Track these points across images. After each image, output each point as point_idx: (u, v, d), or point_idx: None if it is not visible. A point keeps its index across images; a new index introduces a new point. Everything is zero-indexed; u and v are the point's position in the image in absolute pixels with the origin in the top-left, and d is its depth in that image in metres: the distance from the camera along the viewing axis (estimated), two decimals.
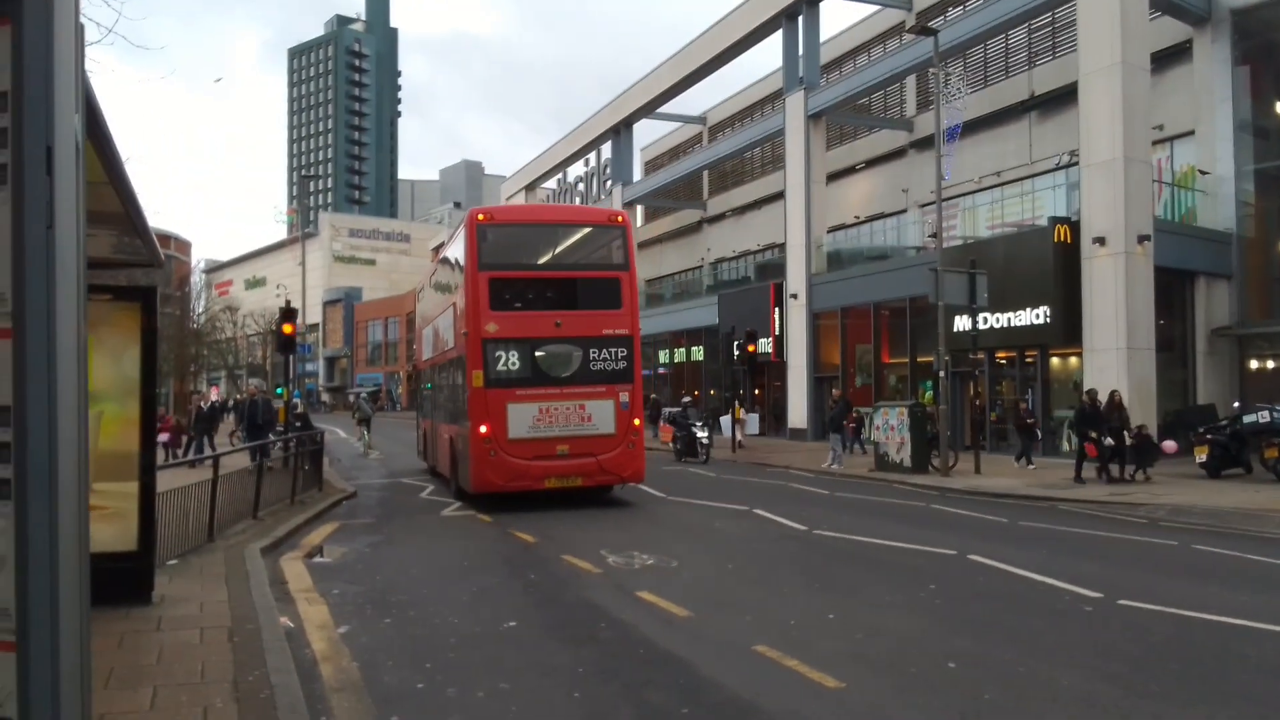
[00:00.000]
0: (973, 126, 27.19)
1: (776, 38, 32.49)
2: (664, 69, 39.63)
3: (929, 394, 24.80)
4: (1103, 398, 17.69)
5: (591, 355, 15.10)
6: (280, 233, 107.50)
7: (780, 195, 33.57)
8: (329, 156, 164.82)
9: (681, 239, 47.08)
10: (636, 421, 15.46)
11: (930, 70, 23.93)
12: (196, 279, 73.43)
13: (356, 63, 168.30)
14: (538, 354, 14.98)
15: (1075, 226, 21.34)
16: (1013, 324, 22.43)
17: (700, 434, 24.16)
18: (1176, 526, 12.57)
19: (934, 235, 21.78)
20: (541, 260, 16.40)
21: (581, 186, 48.07)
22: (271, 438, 18.39)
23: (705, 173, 43.36)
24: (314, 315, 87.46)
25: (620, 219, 16.43)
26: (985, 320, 21.69)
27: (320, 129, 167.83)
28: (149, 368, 7.78)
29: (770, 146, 37.81)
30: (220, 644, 6.57)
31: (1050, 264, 21.48)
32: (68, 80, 1.59)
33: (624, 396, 15.24)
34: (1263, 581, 9.04)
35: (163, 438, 21.88)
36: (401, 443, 30.79)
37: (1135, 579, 8.94)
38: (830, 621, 7.49)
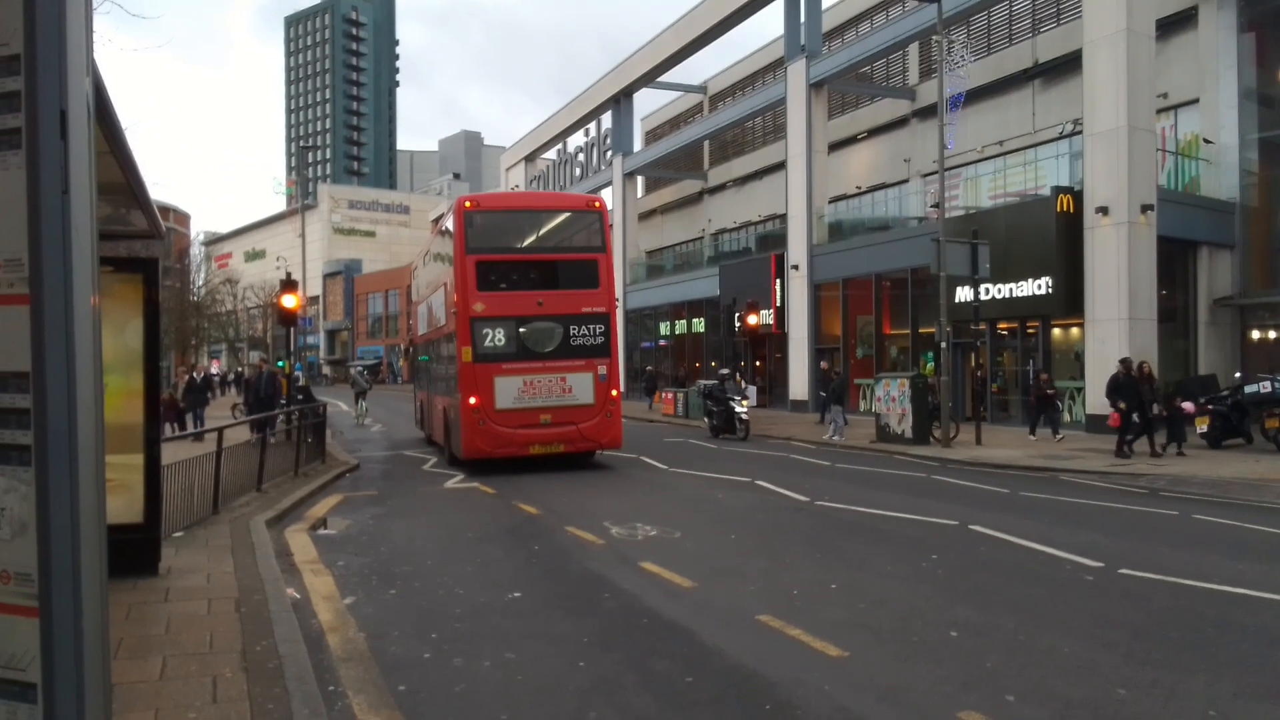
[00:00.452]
0: (975, 95, 26.95)
1: (778, 5, 32.15)
2: (665, 37, 39.27)
3: (930, 365, 24.83)
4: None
5: (572, 331, 16.44)
6: (279, 204, 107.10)
7: (781, 165, 33.40)
8: (327, 127, 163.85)
9: (682, 210, 46.91)
10: (614, 392, 16.77)
11: (933, 38, 23.73)
12: (196, 251, 73.48)
13: (354, 31, 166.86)
14: (522, 331, 16.27)
15: (1078, 196, 21.24)
16: (1015, 294, 22.39)
17: (740, 409, 22.18)
18: (1177, 496, 12.62)
19: (936, 205, 21.69)
20: (524, 244, 17.68)
21: (582, 157, 47.84)
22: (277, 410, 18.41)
23: (706, 143, 43.11)
24: (314, 288, 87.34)
25: (597, 204, 17.53)
26: (987, 291, 21.64)
27: (318, 99, 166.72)
28: (152, 340, 7.78)
29: (771, 116, 37.57)
30: (228, 615, 6.61)
31: (1053, 234, 21.41)
32: (79, 43, 1.57)
33: (602, 369, 16.56)
34: (1263, 551, 9.09)
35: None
36: (401, 414, 31.25)
37: (1136, 548, 8.99)
38: (833, 591, 7.54)
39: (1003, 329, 24.27)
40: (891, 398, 20.22)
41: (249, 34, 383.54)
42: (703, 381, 28.68)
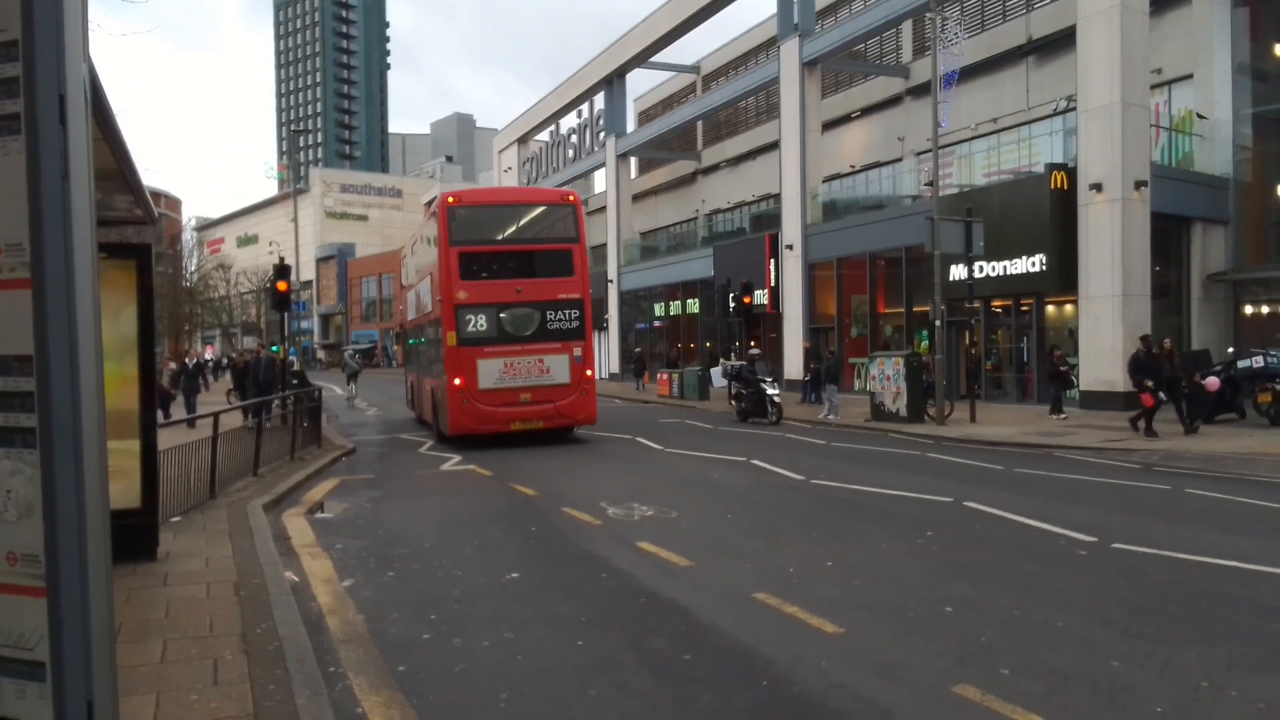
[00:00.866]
0: (969, 72, 26.82)
1: None
2: (657, 16, 39.03)
3: (924, 344, 24.87)
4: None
5: (548, 316, 17.60)
6: (271, 189, 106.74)
7: (775, 145, 33.30)
8: (319, 111, 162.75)
9: (676, 191, 46.78)
10: (589, 372, 18.01)
11: (927, 15, 23.57)
12: (188, 237, 73.15)
13: (344, 14, 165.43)
14: (502, 316, 17.44)
15: (1072, 173, 21.23)
16: (1008, 272, 22.40)
17: (771, 391, 21.06)
18: (1170, 471, 12.69)
19: (930, 184, 21.64)
20: (504, 235, 18.76)
21: (574, 138, 47.64)
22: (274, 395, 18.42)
23: (699, 123, 42.95)
24: (307, 272, 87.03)
25: (571, 198, 18.90)
26: (981, 269, 21.65)
27: (309, 82, 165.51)
28: (146, 326, 7.77)
29: (765, 95, 37.40)
30: (227, 598, 6.64)
31: (1047, 211, 21.40)
32: (76, 28, 1.57)
33: (577, 351, 17.77)
34: (1255, 524, 9.15)
35: None
36: (394, 397, 31.67)
37: (1129, 523, 9.05)
38: (829, 569, 7.59)
39: (997, 307, 24.30)
40: (886, 376, 20.28)
41: (238, 18, 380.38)
42: (729, 362, 27.94)
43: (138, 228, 12.52)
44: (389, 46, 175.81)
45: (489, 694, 5.05)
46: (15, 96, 1.59)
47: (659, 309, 41.19)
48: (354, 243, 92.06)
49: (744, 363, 22.85)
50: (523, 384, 17.37)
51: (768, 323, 32.95)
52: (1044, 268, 21.59)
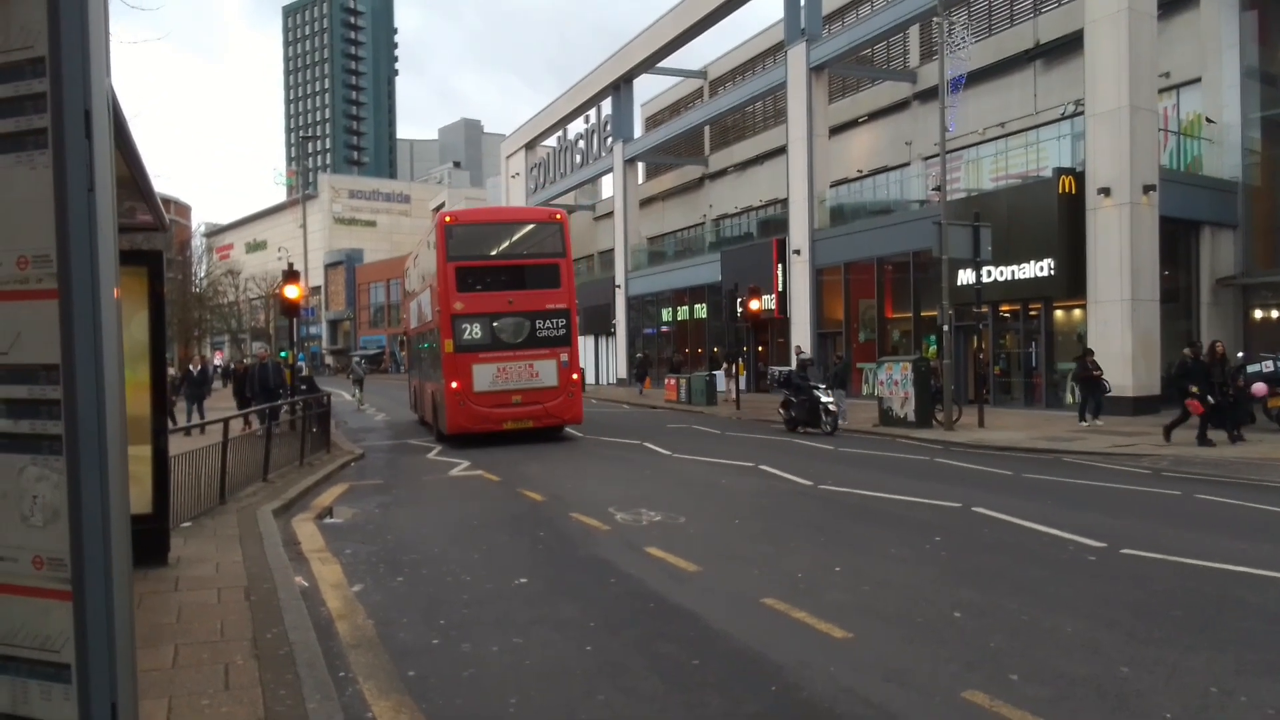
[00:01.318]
0: (977, 77, 26.85)
1: None
2: (664, 22, 39.13)
3: (933, 349, 24.84)
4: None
5: (538, 325, 19.03)
6: (280, 195, 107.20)
7: (782, 150, 33.33)
8: (327, 117, 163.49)
9: (683, 196, 46.83)
10: (575, 376, 19.41)
11: (934, 19, 23.65)
12: (197, 243, 73.45)
13: (352, 20, 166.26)
14: (495, 325, 18.87)
15: (1080, 177, 21.21)
16: (1016, 277, 22.38)
17: (826, 398, 19.57)
18: (1179, 476, 12.65)
19: (938, 188, 21.66)
20: (497, 251, 20.18)
21: (582, 144, 47.75)
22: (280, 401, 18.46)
23: (706, 128, 42.99)
24: (316, 278, 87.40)
25: (558, 216, 20.22)
26: (989, 273, 21.64)
27: (317, 89, 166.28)
28: (158, 332, 7.82)
29: (772, 100, 37.47)
30: (238, 603, 6.68)
31: (1055, 215, 21.39)
32: (100, 43, 1.60)
33: (564, 357, 19.17)
34: (1264, 530, 9.13)
35: None
36: (400, 402, 31.96)
37: (1138, 529, 9.03)
38: (837, 574, 7.59)
39: (1005, 311, 24.28)
40: (894, 381, 20.26)
41: (246, 24, 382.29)
42: (776, 368, 26.80)
43: (148, 234, 12.58)
44: (397, 52, 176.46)
45: (498, 699, 5.06)
46: (43, 111, 1.62)
47: (666, 314, 41.23)
48: (362, 248, 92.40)
49: (792, 368, 21.48)
50: (514, 387, 18.77)
51: (775, 327, 32.97)
52: (1052, 272, 21.57)
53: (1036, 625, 6.05)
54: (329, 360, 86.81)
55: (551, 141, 52.74)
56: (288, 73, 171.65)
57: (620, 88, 44.10)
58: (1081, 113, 22.20)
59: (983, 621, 6.17)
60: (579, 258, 55.70)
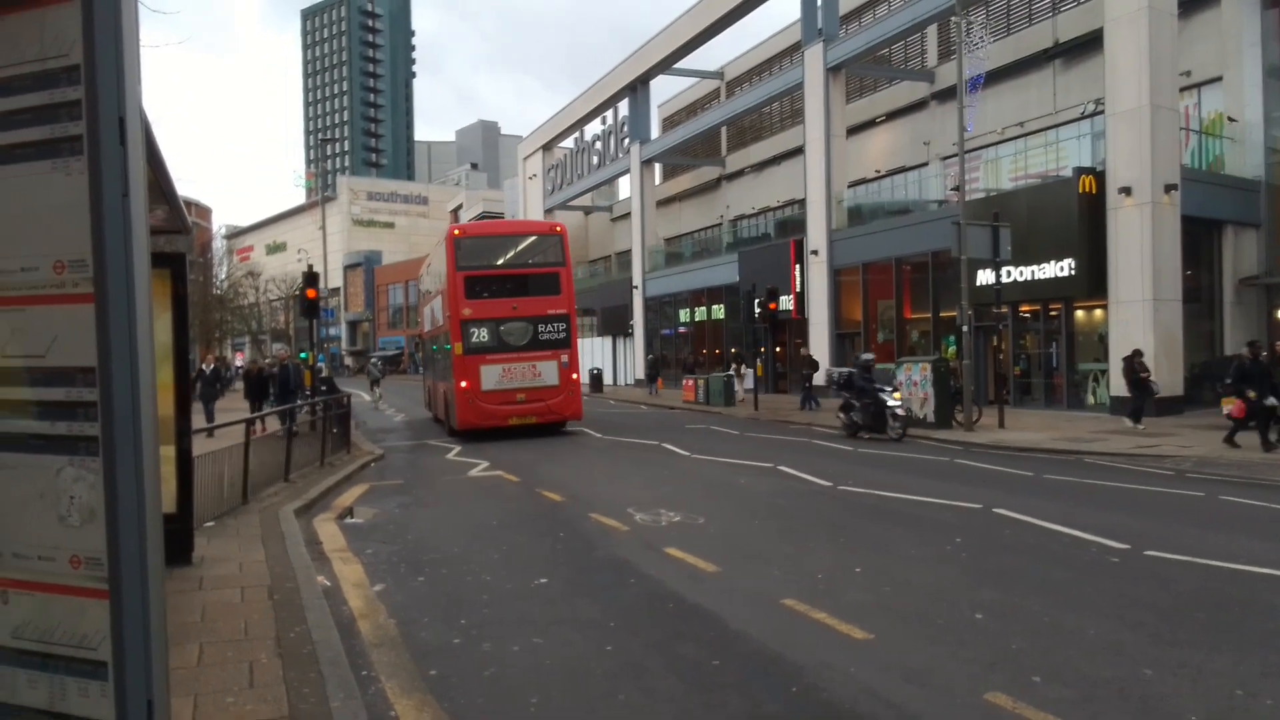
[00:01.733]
0: (995, 76, 26.71)
1: None
2: (681, 22, 39.12)
3: (952, 349, 24.72)
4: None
5: (540, 329, 20.50)
6: (299, 197, 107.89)
7: (800, 150, 33.26)
8: (345, 119, 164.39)
9: (700, 196, 46.80)
10: (574, 376, 20.93)
11: (952, 19, 23.52)
12: (218, 245, 74.02)
13: (370, 23, 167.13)
14: (501, 329, 20.32)
15: (1100, 177, 21.06)
16: (1036, 277, 22.24)
17: (893, 401, 18.34)
18: (1203, 478, 12.54)
19: (956, 188, 21.57)
20: (502, 261, 21.85)
21: (599, 145, 47.79)
22: (299, 402, 18.59)
23: (724, 129, 42.94)
24: (335, 279, 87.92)
25: (558, 229, 21.95)
26: (1008, 274, 21.52)
27: (336, 91, 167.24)
28: (181, 334, 7.89)
29: (789, 100, 37.38)
30: (261, 602, 6.73)
31: (1075, 215, 21.24)
32: (133, 51, 1.63)
33: (564, 358, 20.63)
34: None
35: None
36: (418, 402, 32.29)
37: (1162, 530, 8.96)
38: (857, 575, 7.57)
39: (1025, 311, 24.13)
40: (914, 382, 20.18)
41: (264, 26, 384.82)
42: (835, 369, 25.36)
43: (170, 237, 12.71)
44: (414, 55, 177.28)
45: (519, 698, 5.09)
46: (78, 119, 1.66)
47: (684, 315, 41.21)
48: (381, 250, 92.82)
49: (854, 369, 19.82)
50: (519, 386, 20.21)
51: (792, 328, 32.90)
52: (1073, 272, 21.42)
53: (1059, 627, 6.01)
54: (348, 361, 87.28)
55: (569, 143, 52.82)
56: (306, 75, 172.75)
57: (637, 89, 44.11)
58: (1101, 112, 22.04)
59: (1004, 623, 6.14)
60: (597, 259, 55.90)
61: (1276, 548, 8.11)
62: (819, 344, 30.79)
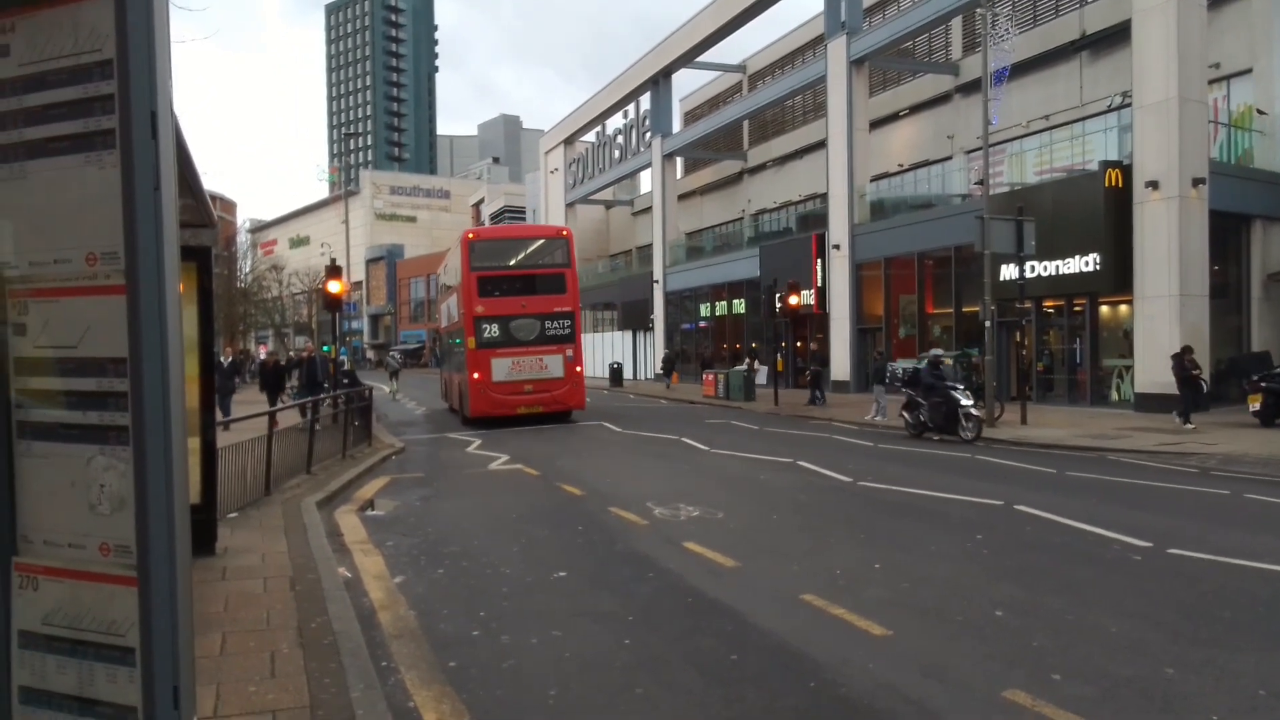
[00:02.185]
0: (1021, 68, 26.45)
1: None
2: (703, 16, 39.02)
3: (974, 355, 24.55)
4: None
5: (547, 325, 22.20)
6: (322, 191, 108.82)
7: (822, 144, 33.12)
8: (368, 114, 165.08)
9: (722, 190, 46.70)
10: (578, 369, 22.67)
11: (977, 11, 23.34)
12: (242, 238, 74.58)
13: (393, 18, 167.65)
14: (511, 325, 21.97)
15: (1127, 170, 20.83)
16: (1061, 272, 22.05)
17: (966, 401, 17.10)
18: (1228, 475, 12.42)
19: (980, 182, 21.38)
20: (512, 262, 23.70)
21: (620, 139, 47.78)
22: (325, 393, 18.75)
23: (745, 122, 42.79)
24: (357, 273, 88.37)
25: (565, 232, 24.33)
26: (1032, 268, 21.33)
27: (359, 85, 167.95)
28: (205, 326, 7.98)
29: (811, 94, 37.21)
30: (283, 593, 6.80)
31: (1100, 209, 21.03)
32: (165, 45, 1.66)
33: (569, 352, 22.35)
34: None
35: None
36: (437, 395, 32.75)
37: (1186, 528, 8.88)
38: (876, 571, 7.56)
39: (1049, 307, 23.92)
40: None
41: (288, 22, 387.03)
42: (900, 365, 24.18)
43: (195, 230, 12.87)
44: (437, 49, 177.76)
45: (538, 690, 5.12)
46: (111, 113, 1.69)
47: (705, 309, 41.17)
48: (403, 244, 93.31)
49: (922, 365, 18.68)
50: (527, 378, 21.81)
51: (814, 323, 32.80)
52: (1098, 267, 21.21)
53: (1080, 624, 5.98)
54: (369, 354, 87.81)
55: (590, 137, 52.83)
56: (330, 70, 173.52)
57: (659, 82, 44.05)
58: (1128, 104, 21.78)
59: (1025, 620, 6.11)
60: (618, 253, 55.91)
61: None
62: (840, 339, 30.68)
